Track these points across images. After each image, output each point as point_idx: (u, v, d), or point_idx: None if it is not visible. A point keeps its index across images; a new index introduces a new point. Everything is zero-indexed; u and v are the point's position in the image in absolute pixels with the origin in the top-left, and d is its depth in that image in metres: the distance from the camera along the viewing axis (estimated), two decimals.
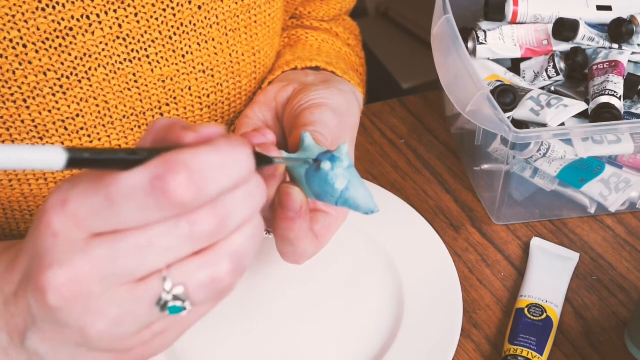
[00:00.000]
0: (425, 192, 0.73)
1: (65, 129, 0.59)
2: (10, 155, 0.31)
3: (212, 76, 0.64)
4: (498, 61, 0.75)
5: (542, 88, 0.72)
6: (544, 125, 0.65)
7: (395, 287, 0.61)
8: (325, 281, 0.62)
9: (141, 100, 0.61)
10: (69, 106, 0.58)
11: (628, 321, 0.60)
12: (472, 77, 0.64)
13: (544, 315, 0.59)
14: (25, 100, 0.56)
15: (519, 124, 0.68)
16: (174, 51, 0.60)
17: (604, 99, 0.66)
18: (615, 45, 0.72)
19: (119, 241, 0.34)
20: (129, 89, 0.60)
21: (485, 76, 0.72)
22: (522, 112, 0.67)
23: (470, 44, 0.74)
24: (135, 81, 0.60)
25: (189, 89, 0.63)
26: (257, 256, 0.64)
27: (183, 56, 0.61)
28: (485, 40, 0.73)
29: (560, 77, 0.71)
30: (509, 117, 0.67)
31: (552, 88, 0.72)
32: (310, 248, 0.50)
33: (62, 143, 0.59)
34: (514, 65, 0.76)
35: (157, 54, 0.60)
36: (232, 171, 0.34)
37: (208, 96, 0.65)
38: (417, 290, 0.61)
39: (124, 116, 0.61)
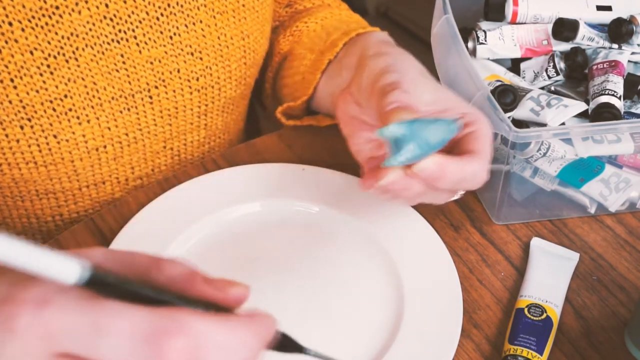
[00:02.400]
0: None
1: (54, 109, 0.58)
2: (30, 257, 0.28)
3: (201, 59, 0.64)
4: (498, 61, 0.75)
5: (542, 88, 0.72)
6: (544, 125, 0.65)
7: (395, 287, 0.61)
8: (324, 281, 0.62)
9: (130, 82, 0.61)
10: (56, 86, 0.58)
11: (628, 321, 0.60)
12: (472, 77, 0.64)
13: (544, 315, 0.59)
14: (12, 80, 0.56)
15: (519, 124, 0.68)
16: (161, 32, 0.61)
17: (603, 99, 0.66)
18: (615, 45, 0.72)
19: None
20: (117, 70, 0.60)
21: (485, 76, 0.72)
22: (522, 112, 0.67)
23: (470, 44, 0.74)
24: (124, 62, 0.60)
25: (178, 71, 0.63)
26: (255, 255, 0.64)
27: (171, 37, 0.61)
28: (485, 40, 0.73)
29: (560, 77, 0.71)
30: (509, 117, 0.67)
31: (552, 88, 0.72)
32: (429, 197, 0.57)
33: (51, 125, 0.59)
34: (514, 65, 0.76)
35: (144, 34, 0.60)
36: (232, 356, 0.31)
37: (197, 79, 0.65)
38: (417, 290, 0.61)
39: (112, 98, 0.61)
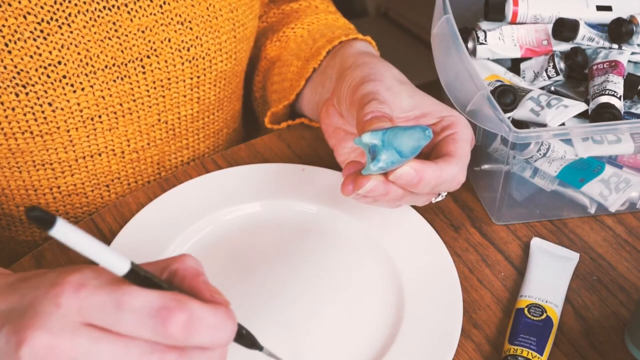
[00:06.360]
0: None
1: (48, 76, 0.60)
2: (90, 245, 0.37)
3: (191, 29, 0.66)
4: (498, 61, 0.75)
5: (542, 88, 0.72)
6: (544, 125, 0.65)
7: (395, 287, 0.61)
8: (325, 281, 0.62)
9: (122, 51, 0.63)
10: (50, 52, 0.60)
11: (628, 321, 0.60)
12: (472, 77, 0.64)
13: (544, 315, 0.59)
14: (6, 44, 0.58)
15: (519, 124, 0.68)
16: (151, 0, 0.63)
17: (604, 99, 0.66)
18: (615, 45, 0.72)
19: (102, 342, 0.38)
20: (110, 38, 0.62)
21: (485, 76, 0.72)
22: (522, 112, 0.67)
23: (470, 44, 0.74)
24: (115, 30, 0.62)
25: (169, 40, 0.65)
26: (255, 255, 0.64)
27: (160, 6, 0.64)
28: (485, 40, 0.73)
29: (560, 77, 0.71)
30: (509, 117, 0.67)
31: (552, 88, 0.72)
32: (407, 199, 0.57)
33: (46, 92, 0.61)
34: (514, 65, 0.76)
35: (135, 2, 0.62)
36: (216, 336, 0.39)
37: (188, 49, 0.67)
38: (417, 290, 0.61)
39: (105, 66, 0.63)
